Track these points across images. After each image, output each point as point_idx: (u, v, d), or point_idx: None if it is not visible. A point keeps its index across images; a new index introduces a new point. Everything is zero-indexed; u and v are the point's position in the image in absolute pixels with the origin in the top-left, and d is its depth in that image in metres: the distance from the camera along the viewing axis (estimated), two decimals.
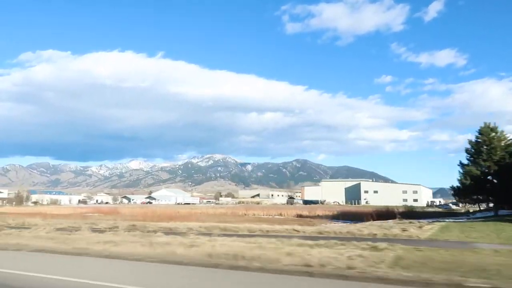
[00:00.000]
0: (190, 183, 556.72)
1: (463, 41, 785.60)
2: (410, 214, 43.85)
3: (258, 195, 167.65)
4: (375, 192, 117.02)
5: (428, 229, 23.26)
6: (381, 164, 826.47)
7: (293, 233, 20.34)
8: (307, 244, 15.69)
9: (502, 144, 32.31)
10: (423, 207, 79.57)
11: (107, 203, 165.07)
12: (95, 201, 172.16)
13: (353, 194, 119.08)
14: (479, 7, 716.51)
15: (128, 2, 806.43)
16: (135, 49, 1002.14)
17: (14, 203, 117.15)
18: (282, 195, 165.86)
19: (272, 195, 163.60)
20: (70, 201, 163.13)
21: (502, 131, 33.59)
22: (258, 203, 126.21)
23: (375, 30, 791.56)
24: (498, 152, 31.92)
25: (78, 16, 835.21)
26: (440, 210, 56.82)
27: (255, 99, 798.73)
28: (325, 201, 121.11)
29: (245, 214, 59.49)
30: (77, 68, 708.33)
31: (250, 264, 9.84)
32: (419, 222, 27.86)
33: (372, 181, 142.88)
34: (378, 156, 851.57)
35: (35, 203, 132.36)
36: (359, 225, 25.75)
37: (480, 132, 33.34)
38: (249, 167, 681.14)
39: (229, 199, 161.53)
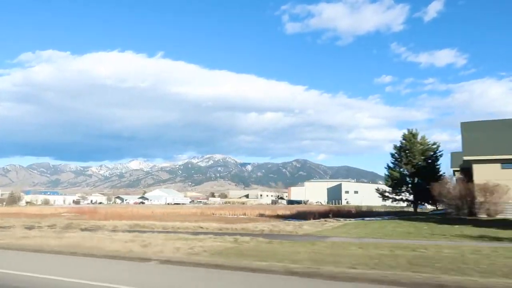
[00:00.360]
0: (190, 183, 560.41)
1: (463, 41, 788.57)
2: (357, 213, 46.78)
3: (247, 195, 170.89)
4: (356, 192, 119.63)
5: (327, 226, 26.32)
6: (381, 164, 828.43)
7: (195, 230, 23.43)
8: (184, 237, 18.79)
9: (420, 149, 35.30)
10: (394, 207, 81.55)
11: (100, 203, 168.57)
12: (89, 201, 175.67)
13: (334, 194, 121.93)
14: (479, 7, 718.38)
15: (127, 2, 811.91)
16: (135, 49, 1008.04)
17: (4, 203, 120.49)
18: (272, 195, 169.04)
19: (261, 195, 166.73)
20: (64, 201, 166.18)
21: (423, 137, 36.66)
22: (243, 203, 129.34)
23: (375, 30, 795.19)
24: (417, 156, 34.90)
25: (77, 16, 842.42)
26: (397, 210, 59.27)
27: (255, 99, 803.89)
28: (308, 201, 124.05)
29: (213, 214, 62.22)
30: (77, 68, 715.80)
31: (81, 251, 12.94)
32: (335, 220, 30.99)
33: (355, 181, 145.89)
34: (378, 156, 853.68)
35: (29, 203, 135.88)
36: (273, 223, 28.81)
37: (404, 137, 36.33)
38: (249, 167, 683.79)
39: (218, 199, 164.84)
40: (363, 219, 33.31)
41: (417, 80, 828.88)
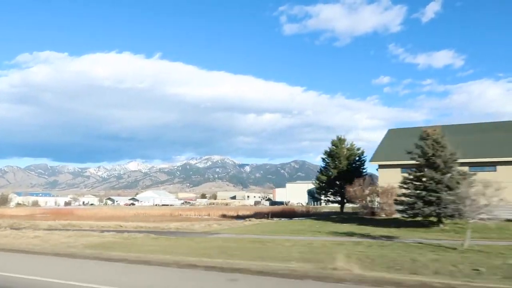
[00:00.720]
0: (188, 184, 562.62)
1: (461, 42, 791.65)
2: (301, 214, 49.84)
3: (234, 197, 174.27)
4: None
5: (240, 224, 29.33)
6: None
7: (115, 228, 26.47)
8: (86, 234, 21.84)
9: (345, 154, 38.33)
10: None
11: (92, 204, 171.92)
12: (81, 203, 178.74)
13: (314, 195, 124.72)
14: (476, 8, 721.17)
15: (125, 3, 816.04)
16: (132, 50, 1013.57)
17: None
18: (259, 197, 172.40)
19: (248, 196, 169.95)
20: (56, 202, 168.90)
21: (352, 143, 39.80)
22: (227, 204, 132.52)
23: (373, 31, 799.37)
24: (343, 161, 37.93)
25: (75, 17, 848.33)
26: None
27: (253, 100, 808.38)
28: (289, 202, 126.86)
29: (180, 215, 65.54)
30: (75, 69, 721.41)
31: None
32: (265, 219, 34.02)
33: None
34: None
35: (20, 204, 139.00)
36: (194, 222, 31.87)
37: (333, 143, 39.41)
38: (247, 168, 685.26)
39: (204, 200, 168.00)
40: (290, 219, 36.27)
41: (415, 81, 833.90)
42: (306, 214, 47.30)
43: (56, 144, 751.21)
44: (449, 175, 22.96)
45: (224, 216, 61.06)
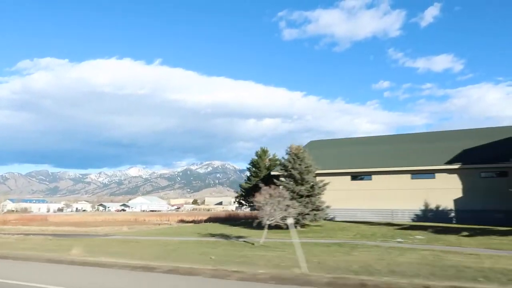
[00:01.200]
0: (188, 190, 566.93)
1: (460, 46, 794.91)
2: (241, 219, 53.29)
3: (221, 202, 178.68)
4: None
5: (152, 228, 33.30)
6: None
7: (35, 232, 30.56)
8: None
9: (266, 164, 42.32)
10: None
11: (84, 210, 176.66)
12: (74, 209, 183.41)
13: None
14: (475, 13, 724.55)
15: (125, 9, 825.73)
16: (133, 57, 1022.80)
17: None
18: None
19: (234, 202, 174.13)
20: (48, 209, 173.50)
21: (274, 154, 43.87)
22: (209, 209, 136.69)
23: (372, 35, 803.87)
24: (263, 170, 41.91)
25: (75, 23, 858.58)
26: None
27: (253, 105, 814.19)
28: None
29: (144, 220, 69.91)
30: (75, 75, 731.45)
31: None
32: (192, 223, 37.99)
33: None
34: None
35: (11, 211, 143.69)
36: (118, 225, 35.89)
37: (256, 154, 43.46)
38: (248, 174, 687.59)
39: (190, 206, 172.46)
40: (214, 223, 40.16)
41: (415, 85, 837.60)
42: (238, 219, 51.06)
43: (57, 150, 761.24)
44: (310, 184, 26.94)
45: (182, 221, 65.23)
